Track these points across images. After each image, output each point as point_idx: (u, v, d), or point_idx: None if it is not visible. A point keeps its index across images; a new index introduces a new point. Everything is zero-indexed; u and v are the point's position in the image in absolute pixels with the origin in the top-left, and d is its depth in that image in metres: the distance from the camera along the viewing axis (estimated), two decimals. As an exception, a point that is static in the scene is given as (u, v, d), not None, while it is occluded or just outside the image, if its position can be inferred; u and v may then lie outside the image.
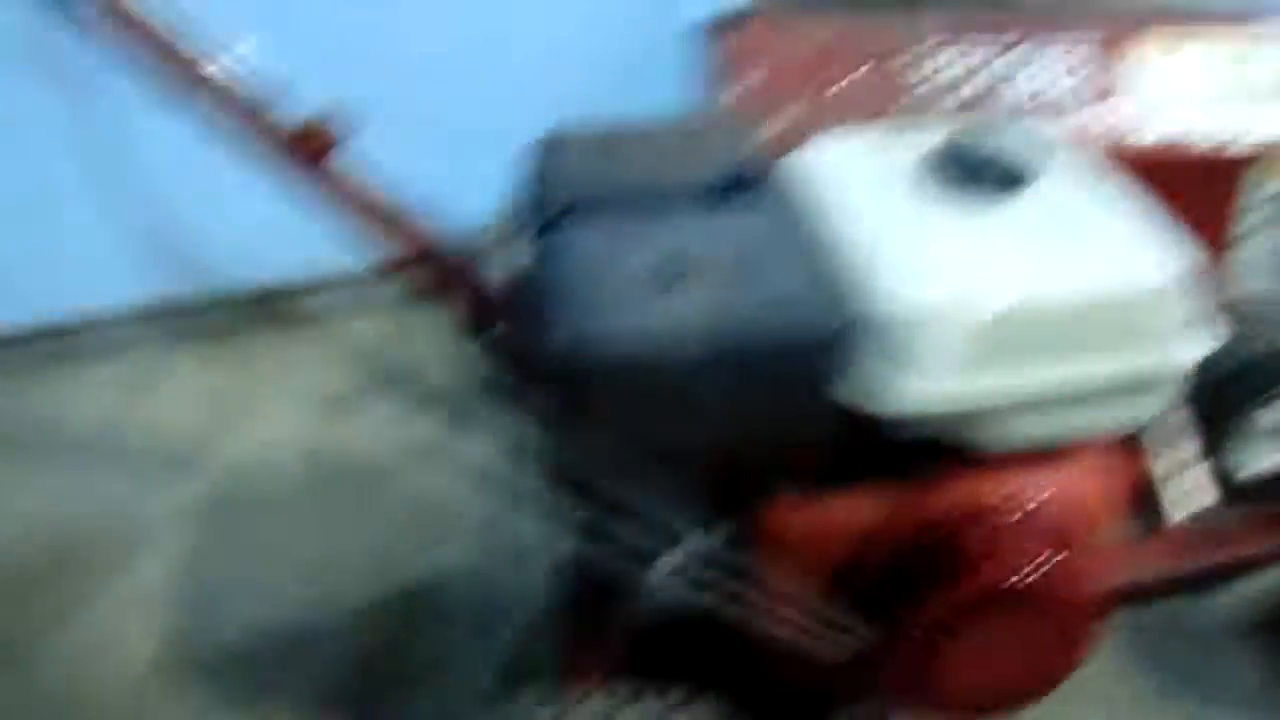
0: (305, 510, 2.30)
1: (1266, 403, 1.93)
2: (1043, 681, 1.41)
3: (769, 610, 1.32)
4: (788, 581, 1.33)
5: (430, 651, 1.96)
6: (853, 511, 1.32)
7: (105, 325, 2.74)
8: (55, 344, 2.71)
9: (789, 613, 1.31)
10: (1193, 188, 1.89)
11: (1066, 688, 1.42)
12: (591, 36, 2.62)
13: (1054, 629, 1.34)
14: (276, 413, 2.56)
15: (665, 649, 1.42)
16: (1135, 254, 1.23)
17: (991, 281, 1.18)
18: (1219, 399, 1.90)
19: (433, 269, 1.67)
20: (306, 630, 2.03)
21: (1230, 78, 1.92)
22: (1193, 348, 1.24)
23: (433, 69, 2.55)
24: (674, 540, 1.24)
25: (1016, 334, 1.18)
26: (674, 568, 1.24)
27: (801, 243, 1.22)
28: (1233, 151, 1.91)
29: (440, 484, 2.26)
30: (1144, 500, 1.98)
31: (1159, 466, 1.89)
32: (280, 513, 2.29)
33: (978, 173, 1.28)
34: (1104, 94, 1.89)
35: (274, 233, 2.29)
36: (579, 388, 1.12)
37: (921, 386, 1.18)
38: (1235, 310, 1.90)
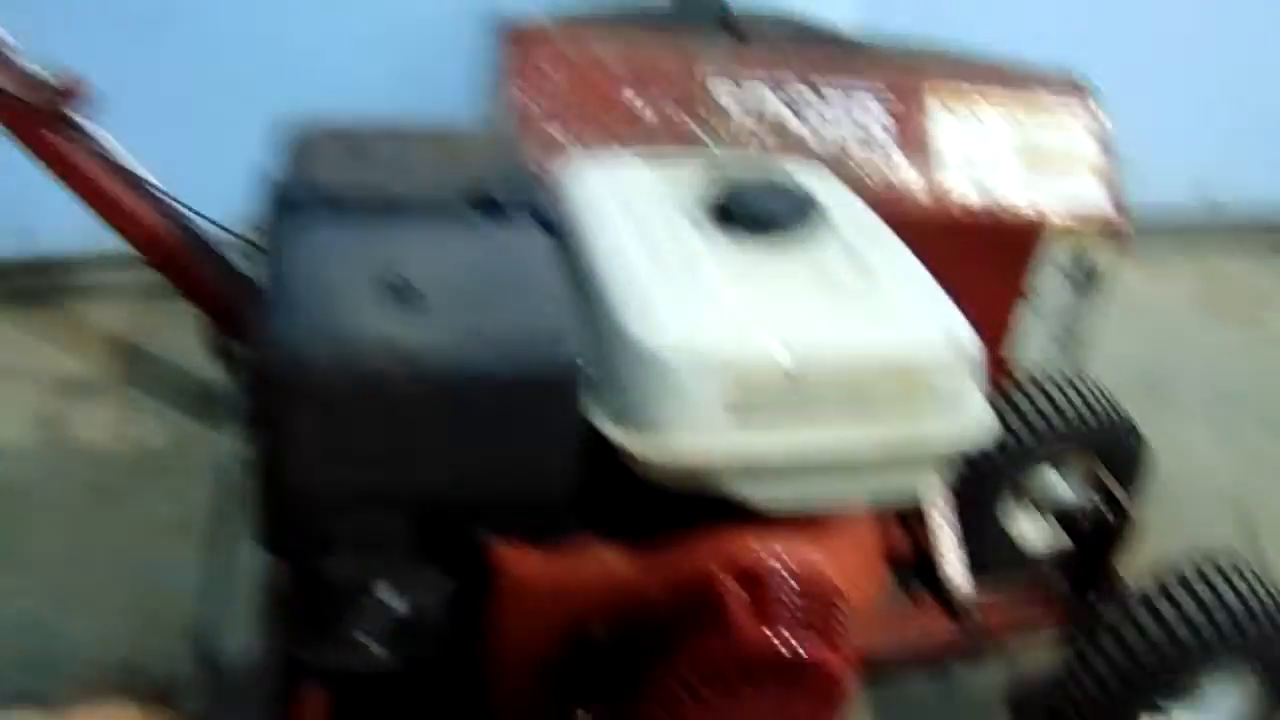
0: (31, 498, 2.14)
1: (1024, 483, 1.91)
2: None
3: (497, 674, 1.18)
4: (521, 640, 1.19)
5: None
6: (601, 565, 1.19)
7: None
8: None
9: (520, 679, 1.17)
10: (987, 253, 1.88)
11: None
12: (391, 28, 2.45)
13: (810, 698, 1.23)
14: (9, 395, 2.38)
15: (377, 707, 1.25)
16: (913, 320, 1.15)
17: (760, 332, 1.08)
18: (981, 475, 1.86)
19: (165, 262, 1.49)
20: (34, 628, 1.87)
21: (1023, 143, 1.90)
22: (968, 425, 1.16)
23: (207, 52, 2.44)
24: (385, 587, 1.08)
25: (785, 395, 1.07)
26: (381, 616, 1.08)
27: (553, 271, 1.10)
28: (1030, 220, 1.88)
29: (180, 483, 2.13)
30: (916, 570, 1.96)
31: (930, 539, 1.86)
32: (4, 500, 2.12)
33: (750, 217, 1.18)
34: (899, 145, 1.84)
35: (19, 204, 2.21)
36: (282, 401, 0.95)
37: (677, 437, 1.05)
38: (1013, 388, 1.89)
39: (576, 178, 1.29)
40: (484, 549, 1.12)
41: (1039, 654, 1.79)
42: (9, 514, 2.07)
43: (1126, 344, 2.25)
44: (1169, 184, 3.07)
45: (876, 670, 1.70)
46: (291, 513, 0.99)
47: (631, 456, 1.07)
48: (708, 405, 1.04)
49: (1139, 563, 1.69)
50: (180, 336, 2.35)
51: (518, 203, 1.16)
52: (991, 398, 1.85)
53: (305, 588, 1.06)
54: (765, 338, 1.06)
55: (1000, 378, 1.93)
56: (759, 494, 1.13)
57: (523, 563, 1.15)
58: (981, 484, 1.86)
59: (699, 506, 1.16)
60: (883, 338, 1.10)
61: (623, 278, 1.11)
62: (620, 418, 1.06)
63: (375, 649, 1.10)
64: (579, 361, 0.99)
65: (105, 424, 2.33)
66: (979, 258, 1.90)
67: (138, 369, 2.50)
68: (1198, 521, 2.14)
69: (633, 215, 1.20)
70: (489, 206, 1.14)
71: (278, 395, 0.95)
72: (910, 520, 1.85)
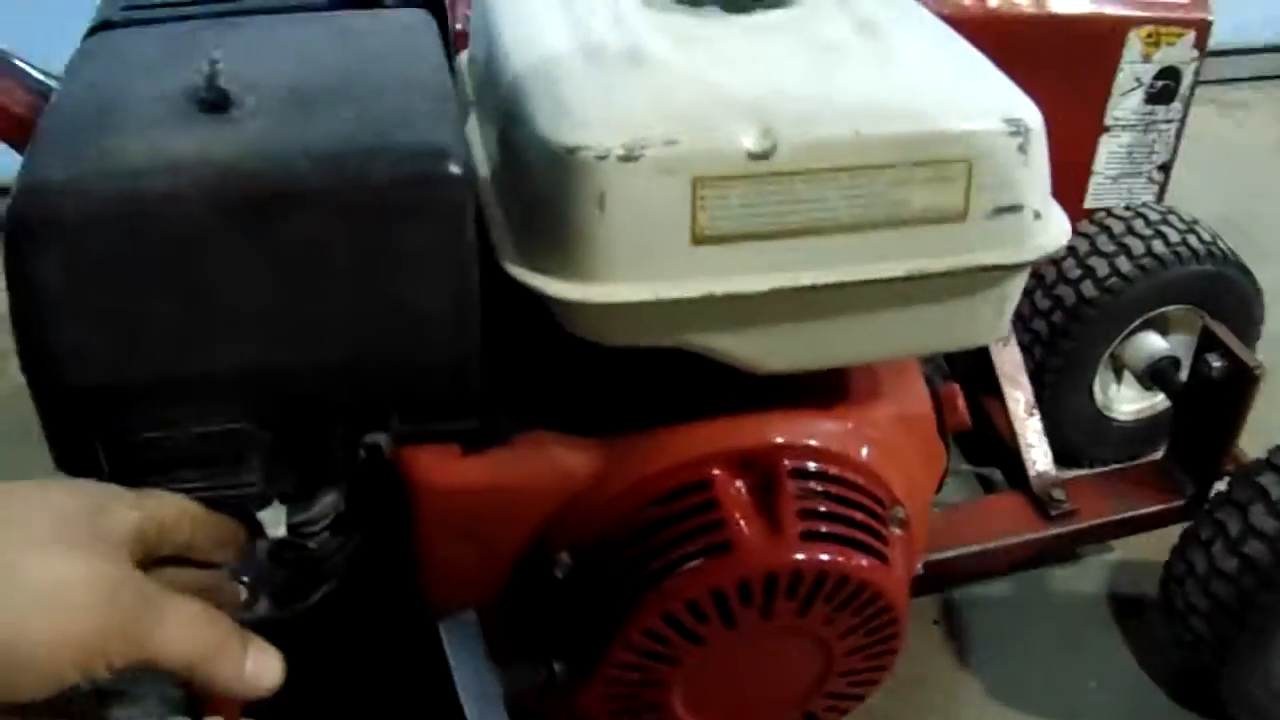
0: None
1: (1123, 338, 1.58)
2: (832, 703, 1.00)
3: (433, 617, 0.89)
4: (456, 575, 0.90)
5: None
6: (553, 466, 0.88)
7: None
8: None
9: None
10: (1057, 61, 1.54)
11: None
12: None
13: (843, 629, 0.92)
14: None
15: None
16: (951, 92, 0.81)
17: (727, 114, 0.74)
18: (1061, 342, 1.54)
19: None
20: None
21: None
22: (1034, 235, 0.83)
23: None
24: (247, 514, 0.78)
25: (764, 193, 0.74)
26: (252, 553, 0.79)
27: (437, 67, 0.78)
28: (1105, 17, 1.53)
29: None
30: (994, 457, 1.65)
31: (995, 415, 1.55)
32: None
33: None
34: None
35: None
36: (34, 253, 0.65)
37: (625, 272, 0.74)
38: (1095, 231, 1.57)
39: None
40: (396, 457, 0.83)
41: (1146, 548, 1.48)
42: None
43: (1207, 187, 1.91)
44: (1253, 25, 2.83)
45: (946, 576, 1.41)
46: (77, 421, 0.70)
47: (563, 311, 0.76)
48: (657, 224, 0.72)
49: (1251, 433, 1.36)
50: None
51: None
52: (1059, 258, 1.56)
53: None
54: (732, 120, 0.73)
55: (1077, 218, 1.61)
56: (750, 350, 0.80)
57: (445, 469, 0.85)
58: (1070, 354, 1.54)
59: (673, 375, 0.85)
60: (903, 111, 0.76)
61: (540, 67, 0.79)
62: (542, 256, 0.75)
63: (248, 594, 0.82)
64: (457, 169, 0.68)
65: None
66: (1041, 69, 1.55)
67: None
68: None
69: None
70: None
71: (29, 252, 0.65)
72: (982, 397, 1.55)
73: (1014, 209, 0.79)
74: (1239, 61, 2.88)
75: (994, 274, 0.81)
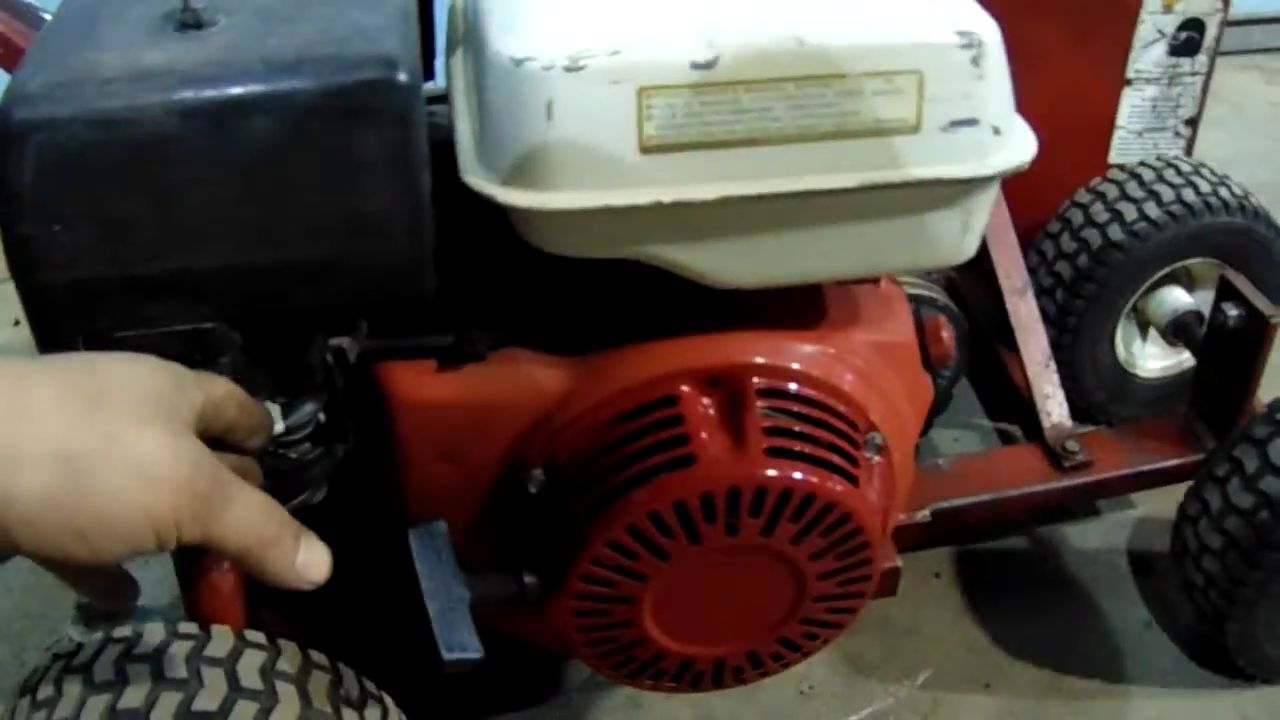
0: None
1: (1146, 290, 1.57)
2: (809, 630, 1.00)
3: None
4: (431, 489, 0.93)
5: None
6: (526, 381, 0.91)
7: None
8: None
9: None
10: (1075, 14, 1.53)
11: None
12: None
13: (814, 553, 0.93)
14: None
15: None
16: (906, 5, 0.81)
17: (669, 26, 0.76)
18: (1082, 286, 1.53)
19: None
20: None
21: None
22: (991, 149, 0.83)
23: None
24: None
25: (709, 103, 0.75)
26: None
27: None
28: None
29: None
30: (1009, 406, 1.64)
31: (1013, 368, 1.55)
32: None
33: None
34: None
35: None
36: (17, 165, 0.69)
37: (575, 180, 0.76)
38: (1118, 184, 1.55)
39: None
40: (375, 371, 0.86)
41: (1161, 503, 1.46)
42: None
43: (1246, 150, 1.87)
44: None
45: (956, 526, 1.41)
46: (57, 317, 0.74)
47: (521, 219, 0.79)
48: (604, 133, 0.75)
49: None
50: None
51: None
52: (1092, 200, 1.54)
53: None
54: (674, 32, 0.75)
55: (1102, 173, 1.59)
56: (706, 261, 0.82)
57: (422, 383, 0.89)
58: (1090, 309, 1.54)
59: (644, 289, 0.87)
60: (850, 22, 0.77)
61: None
62: (495, 168, 0.77)
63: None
64: (404, 76, 0.70)
65: None
66: (1058, 22, 1.56)
67: None
68: None
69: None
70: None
71: (4, 155, 0.69)
72: (1003, 349, 1.56)
73: (969, 122, 0.80)
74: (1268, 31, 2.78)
75: (952, 188, 0.82)
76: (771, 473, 0.86)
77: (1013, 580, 1.48)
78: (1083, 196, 1.57)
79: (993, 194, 0.86)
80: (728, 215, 0.78)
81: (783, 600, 0.96)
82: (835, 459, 0.90)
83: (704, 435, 0.87)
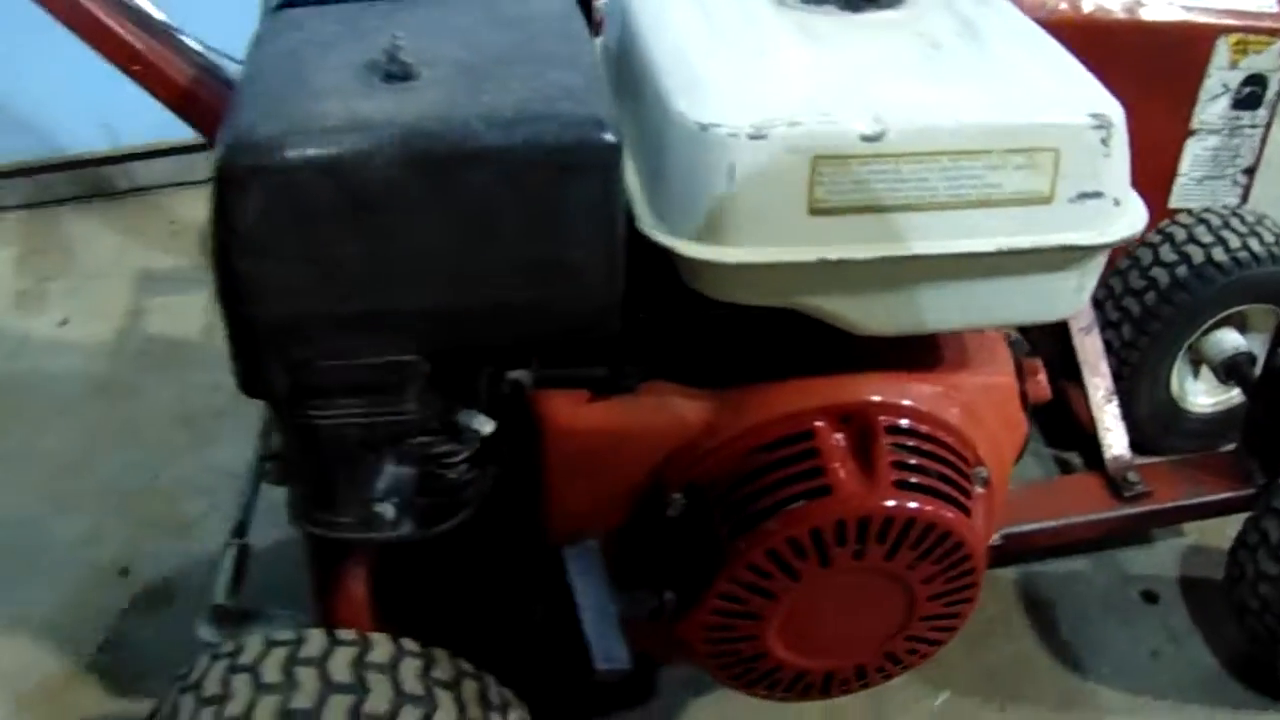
0: (85, 397, 2.05)
1: (1204, 331, 1.64)
2: (915, 646, 1.09)
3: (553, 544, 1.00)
4: (578, 508, 1.01)
5: (183, 562, 1.70)
6: (670, 413, 0.98)
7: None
8: None
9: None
10: (1146, 66, 1.60)
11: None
12: None
13: (930, 576, 1.01)
14: (83, 292, 2.31)
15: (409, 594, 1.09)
16: (1040, 88, 0.90)
17: (843, 102, 0.84)
18: (1148, 323, 1.61)
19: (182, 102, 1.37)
20: (53, 531, 1.77)
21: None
22: (1113, 220, 0.91)
23: None
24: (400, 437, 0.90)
25: (873, 173, 0.84)
26: (396, 476, 0.90)
27: (583, 43, 0.88)
28: (1195, 25, 1.59)
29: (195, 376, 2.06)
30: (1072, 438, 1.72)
31: (1075, 400, 1.62)
32: (60, 394, 2.05)
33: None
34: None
35: (99, 100, 2.18)
36: (239, 203, 0.77)
37: (749, 236, 0.84)
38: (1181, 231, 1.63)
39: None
40: (524, 394, 0.94)
41: (1214, 535, 1.54)
42: (17, 410, 2.01)
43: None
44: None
45: (1023, 549, 1.49)
46: (268, 347, 0.82)
47: (690, 269, 0.87)
48: (778, 196, 0.83)
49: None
50: None
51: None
52: (1160, 242, 1.62)
53: (305, 446, 0.89)
54: (848, 108, 0.83)
55: (1161, 217, 1.67)
56: (853, 312, 0.90)
57: (574, 412, 0.96)
58: (1151, 344, 1.62)
59: (784, 332, 0.95)
60: (998, 105, 0.86)
61: (676, 54, 0.89)
62: (674, 220, 0.85)
63: (395, 515, 0.93)
64: (612, 137, 0.78)
65: (174, 317, 2.23)
66: (1129, 73, 1.61)
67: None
68: None
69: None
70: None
71: (230, 198, 0.77)
72: (1065, 382, 1.63)
73: (1095, 195, 0.88)
74: None
75: (1075, 254, 0.90)
76: (900, 504, 0.94)
77: (1028, 607, 1.56)
78: (1153, 237, 1.64)
79: (1105, 257, 0.94)
80: (881, 272, 0.86)
81: (894, 618, 1.04)
82: (951, 491, 0.98)
83: (838, 468, 0.95)
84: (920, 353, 1.01)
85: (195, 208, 2.52)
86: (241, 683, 0.96)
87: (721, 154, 0.81)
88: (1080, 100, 0.87)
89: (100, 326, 2.20)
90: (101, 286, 2.32)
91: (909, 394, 0.99)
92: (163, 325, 2.20)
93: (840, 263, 0.83)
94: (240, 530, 1.24)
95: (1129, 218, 0.92)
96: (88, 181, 2.56)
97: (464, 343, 0.84)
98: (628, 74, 0.97)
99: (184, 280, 2.33)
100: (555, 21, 0.90)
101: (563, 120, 0.78)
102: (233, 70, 1.39)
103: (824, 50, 0.89)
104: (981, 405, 1.04)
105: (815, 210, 0.83)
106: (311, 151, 0.77)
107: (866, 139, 0.82)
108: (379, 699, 0.94)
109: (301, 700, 0.93)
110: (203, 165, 2.46)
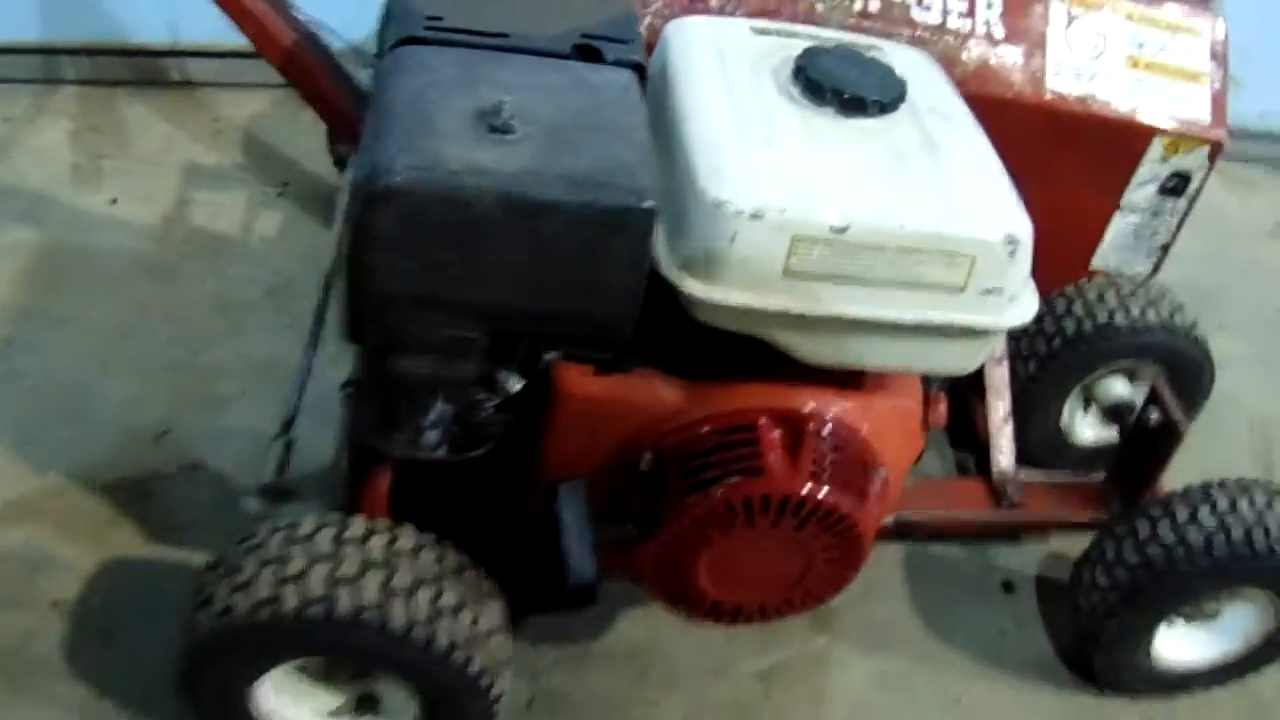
0: (133, 274, 2.26)
1: (1098, 376, 1.96)
2: (810, 595, 1.41)
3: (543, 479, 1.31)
4: (571, 455, 1.31)
5: (215, 435, 1.95)
6: (653, 393, 1.29)
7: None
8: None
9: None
10: (1090, 149, 1.88)
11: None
12: None
13: (829, 549, 1.33)
14: (134, 175, 2.50)
15: (427, 495, 1.39)
16: (970, 206, 1.20)
17: (820, 196, 1.14)
18: (1050, 363, 1.92)
19: (296, 73, 1.62)
20: (100, 392, 2.00)
21: (1136, 49, 1.88)
22: (1006, 312, 1.22)
23: None
24: (458, 386, 1.20)
25: (834, 255, 1.14)
26: (444, 413, 1.20)
27: (639, 117, 1.17)
28: (1137, 123, 1.87)
29: (291, 268, 2.28)
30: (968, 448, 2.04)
31: (978, 416, 1.94)
32: (110, 269, 2.25)
33: (835, 94, 1.23)
34: (1014, 37, 1.83)
35: None
36: (379, 213, 1.05)
37: (733, 286, 1.14)
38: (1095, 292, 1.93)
39: (679, 30, 1.35)
40: (548, 365, 1.24)
41: (1071, 545, 1.88)
42: (71, 279, 2.21)
43: (1193, 251, 2.20)
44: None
45: (915, 533, 1.81)
46: (374, 314, 1.11)
47: (690, 300, 1.16)
48: (764, 260, 1.13)
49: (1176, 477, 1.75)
50: (302, 135, 2.54)
51: (615, 49, 1.22)
52: (1074, 297, 1.92)
53: (382, 383, 1.19)
54: (824, 204, 1.12)
55: (1083, 277, 1.97)
56: (804, 347, 1.21)
57: (582, 382, 1.26)
58: (1051, 379, 1.93)
59: (748, 351, 1.25)
60: (936, 218, 1.16)
61: (703, 134, 1.18)
62: (683, 263, 1.15)
63: (437, 441, 1.23)
64: (649, 204, 1.07)
65: (216, 209, 2.44)
66: (1075, 152, 1.90)
67: (259, 161, 2.62)
68: (1220, 442, 2.22)
69: (725, 74, 1.26)
70: (588, 51, 1.21)
71: (370, 208, 1.05)
72: (969, 400, 1.94)
73: (997, 291, 1.19)
74: (1259, 146, 3.13)
75: (974, 333, 1.21)
76: (812, 490, 1.26)
77: (906, 577, 1.90)
78: (1070, 291, 1.95)
79: (1001, 336, 1.25)
80: (829, 323, 1.17)
81: (795, 572, 1.36)
82: (854, 485, 1.30)
83: (771, 456, 1.26)
84: (849, 378, 1.32)
85: (238, 109, 2.72)
86: (299, 550, 1.26)
87: (728, 224, 1.11)
88: (999, 221, 1.18)
89: (148, 210, 2.39)
90: (150, 172, 2.49)
91: (833, 408, 1.30)
92: (205, 218, 2.41)
93: (801, 315, 1.14)
94: (288, 426, 1.52)
95: (1020, 310, 1.23)
96: (143, 69, 2.74)
97: (517, 330, 1.15)
98: (664, 126, 1.25)
99: (226, 178, 2.52)
100: (620, 92, 1.18)
101: (617, 189, 1.07)
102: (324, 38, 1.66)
103: (817, 150, 1.18)
104: (889, 423, 1.36)
105: (788, 274, 1.13)
106: (436, 186, 1.05)
107: (834, 230, 1.12)
108: (403, 576, 1.25)
109: (346, 570, 1.24)
110: (248, 70, 2.70)
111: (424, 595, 1.24)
